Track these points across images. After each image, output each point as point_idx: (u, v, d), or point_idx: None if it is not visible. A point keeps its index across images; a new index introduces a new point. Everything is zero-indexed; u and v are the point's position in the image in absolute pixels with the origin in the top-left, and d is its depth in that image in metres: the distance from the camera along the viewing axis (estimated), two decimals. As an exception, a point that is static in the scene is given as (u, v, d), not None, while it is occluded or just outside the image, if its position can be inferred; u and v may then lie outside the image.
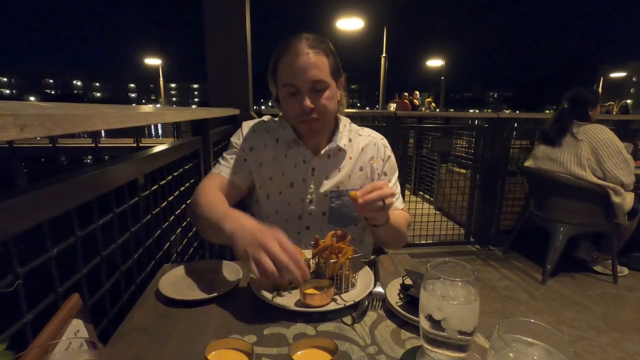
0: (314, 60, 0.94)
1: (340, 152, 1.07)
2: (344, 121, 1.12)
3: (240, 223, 0.75)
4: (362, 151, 1.10)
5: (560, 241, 2.46)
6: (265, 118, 1.12)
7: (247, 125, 1.10)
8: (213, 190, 0.97)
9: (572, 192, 2.38)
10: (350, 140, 1.10)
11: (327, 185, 1.06)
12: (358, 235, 1.12)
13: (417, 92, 11.02)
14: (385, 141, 1.16)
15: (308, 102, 0.95)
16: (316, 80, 0.94)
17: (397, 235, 1.05)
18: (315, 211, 1.06)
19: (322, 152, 1.05)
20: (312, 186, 1.05)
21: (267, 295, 0.75)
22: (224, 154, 1.08)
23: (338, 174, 1.07)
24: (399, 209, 1.11)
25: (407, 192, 4.28)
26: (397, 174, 1.16)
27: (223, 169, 1.04)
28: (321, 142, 1.06)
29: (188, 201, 1.33)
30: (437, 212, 3.77)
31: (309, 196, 1.05)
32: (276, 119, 1.12)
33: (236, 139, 1.08)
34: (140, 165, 0.90)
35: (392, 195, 0.86)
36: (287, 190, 1.05)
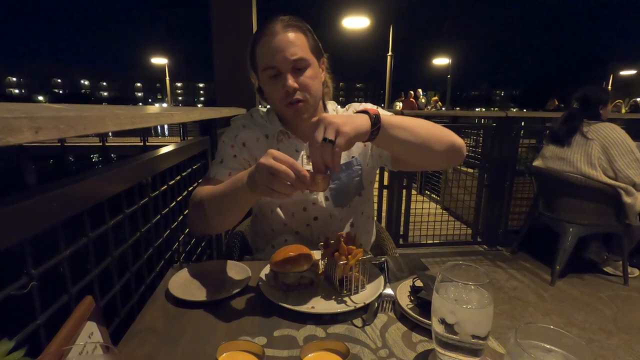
0: (291, 39, 0.90)
1: None
2: (332, 105, 1.10)
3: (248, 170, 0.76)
4: None
5: (569, 242, 2.43)
6: (253, 112, 1.09)
7: (235, 122, 1.06)
8: (208, 188, 0.92)
9: (582, 192, 2.35)
10: None
11: None
12: (362, 224, 1.11)
13: (420, 91, 10.93)
14: (372, 106, 1.03)
15: (291, 82, 0.91)
16: (296, 59, 0.91)
17: (425, 141, 0.83)
18: (319, 199, 1.03)
19: None
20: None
21: (277, 296, 0.74)
22: (216, 156, 1.03)
23: None
24: None
25: (413, 192, 4.26)
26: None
27: (217, 172, 0.98)
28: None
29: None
30: (443, 211, 3.74)
31: None
32: (264, 110, 1.09)
33: (226, 138, 1.03)
34: (150, 166, 0.91)
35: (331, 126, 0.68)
36: None
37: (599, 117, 2.38)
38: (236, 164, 0.99)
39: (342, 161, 1.02)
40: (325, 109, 1.08)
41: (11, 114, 0.36)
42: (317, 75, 0.96)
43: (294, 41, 0.91)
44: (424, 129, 0.83)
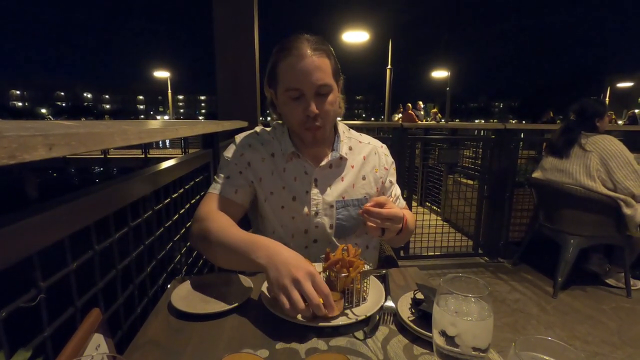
0: (317, 63, 0.91)
1: (342, 161, 1.06)
2: (342, 127, 1.11)
3: (273, 252, 0.76)
4: (365, 160, 1.10)
5: (571, 253, 2.42)
6: (258, 129, 1.09)
7: (240, 140, 1.06)
8: (219, 214, 0.93)
9: (582, 204, 2.36)
10: (350, 148, 1.09)
11: (331, 195, 1.03)
12: (363, 256, 1.12)
13: (421, 103, 11.01)
14: (385, 149, 1.17)
15: (314, 108, 0.92)
16: (321, 85, 0.92)
17: (407, 236, 1.09)
18: (321, 223, 1.03)
19: (324, 162, 1.03)
20: (315, 198, 1.02)
21: (279, 309, 0.75)
22: (219, 172, 1.03)
23: (342, 183, 1.05)
24: (402, 207, 1.14)
25: (414, 204, 4.26)
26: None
27: (223, 189, 0.99)
28: (321, 150, 1.05)
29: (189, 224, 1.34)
30: (444, 223, 3.74)
31: (314, 208, 1.02)
32: (268, 129, 1.09)
33: (231, 155, 1.03)
34: (154, 180, 0.92)
35: (393, 219, 0.90)
36: (289, 205, 1.02)
37: (596, 129, 2.41)
38: (242, 180, 1.00)
39: (355, 197, 1.06)
40: (336, 130, 1.09)
41: (27, 131, 0.38)
42: (336, 100, 0.98)
43: (320, 66, 0.91)
44: (409, 233, 1.09)
